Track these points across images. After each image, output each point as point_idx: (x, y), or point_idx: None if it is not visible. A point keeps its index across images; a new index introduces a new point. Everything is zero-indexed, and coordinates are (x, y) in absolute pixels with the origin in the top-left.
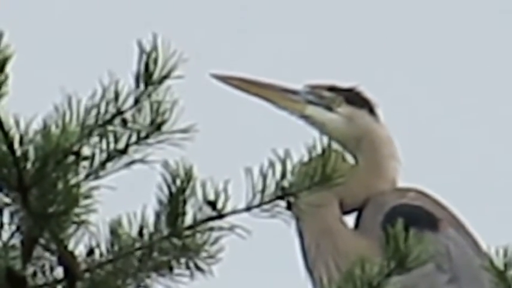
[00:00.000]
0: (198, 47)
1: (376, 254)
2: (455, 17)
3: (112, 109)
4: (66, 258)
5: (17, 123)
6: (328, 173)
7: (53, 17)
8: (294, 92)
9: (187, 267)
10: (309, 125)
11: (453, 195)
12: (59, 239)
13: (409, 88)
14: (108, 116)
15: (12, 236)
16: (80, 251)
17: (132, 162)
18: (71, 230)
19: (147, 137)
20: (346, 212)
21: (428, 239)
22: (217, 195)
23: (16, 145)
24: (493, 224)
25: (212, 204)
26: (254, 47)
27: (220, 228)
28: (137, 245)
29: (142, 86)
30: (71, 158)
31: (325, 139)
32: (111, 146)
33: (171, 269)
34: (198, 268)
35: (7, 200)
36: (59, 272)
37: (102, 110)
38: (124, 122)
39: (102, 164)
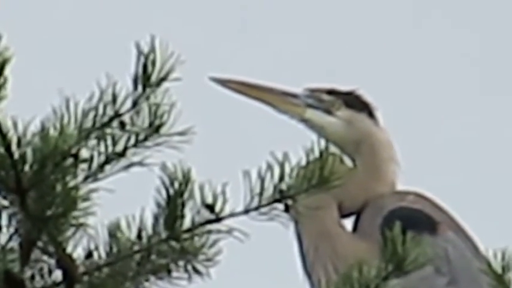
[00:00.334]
0: (197, 47)
1: (374, 257)
2: (454, 16)
3: (110, 112)
4: (64, 261)
5: (15, 125)
6: (325, 176)
7: (51, 20)
8: (294, 96)
9: (186, 270)
10: (308, 129)
11: (452, 198)
12: (57, 242)
13: (409, 89)
14: (106, 119)
15: (10, 238)
16: (79, 253)
17: (131, 165)
18: (69, 232)
19: (145, 139)
20: (345, 215)
21: (426, 242)
22: (215, 198)
23: (14, 147)
24: (492, 227)
25: (210, 207)
26: (254, 47)
27: (218, 231)
28: (136, 247)
29: (140, 88)
30: (69, 160)
31: (323, 142)
32: (110, 148)
33: (169, 271)
34: (196, 271)
35: (5, 202)
36: (58, 274)
37: (100, 112)
38: (122, 125)
39: (101, 167)
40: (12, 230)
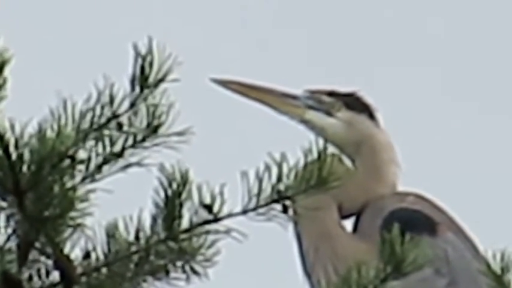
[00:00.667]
0: (196, 48)
1: (374, 258)
2: (457, 15)
3: (107, 112)
4: (62, 262)
5: (12, 126)
6: (324, 177)
7: (49, 20)
8: (294, 97)
9: (184, 271)
10: (308, 130)
11: (452, 199)
12: (55, 243)
13: (410, 91)
14: (103, 120)
15: (8, 239)
16: (76, 254)
17: (129, 165)
18: (67, 233)
19: (143, 140)
20: (345, 217)
21: (426, 243)
22: (213, 198)
23: (11, 149)
24: (491, 228)
25: (208, 208)
26: (253, 47)
27: (217, 232)
28: (133, 248)
29: (137, 89)
30: (67, 161)
31: (321, 142)
32: (107, 149)
33: (167, 272)
34: (194, 271)
35: (3, 203)
36: (55, 275)
37: (97, 113)
38: (119, 126)
39: (99, 168)
40: (10, 230)
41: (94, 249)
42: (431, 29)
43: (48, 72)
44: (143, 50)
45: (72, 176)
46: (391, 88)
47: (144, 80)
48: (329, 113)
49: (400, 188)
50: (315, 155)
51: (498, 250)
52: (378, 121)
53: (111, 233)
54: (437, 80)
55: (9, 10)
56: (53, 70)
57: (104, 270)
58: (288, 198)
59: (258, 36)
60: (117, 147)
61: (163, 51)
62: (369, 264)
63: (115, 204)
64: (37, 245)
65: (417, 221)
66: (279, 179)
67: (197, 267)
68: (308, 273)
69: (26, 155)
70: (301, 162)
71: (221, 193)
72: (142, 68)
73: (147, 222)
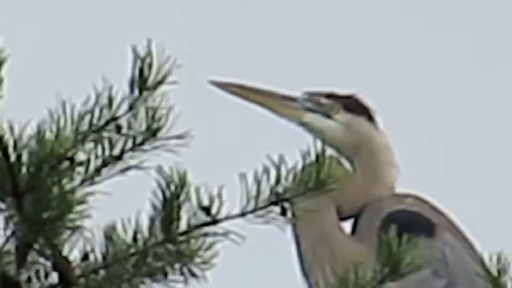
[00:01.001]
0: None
1: (373, 259)
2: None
3: (106, 115)
4: (60, 264)
5: (11, 128)
6: (322, 179)
7: (47, 22)
8: (293, 99)
9: (182, 273)
10: (307, 132)
11: (451, 201)
12: (53, 245)
13: (409, 92)
14: (102, 122)
15: (7, 241)
16: (75, 256)
17: (128, 168)
18: (65, 235)
19: (142, 143)
20: (344, 218)
21: (424, 244)
22: (211, 200)
23: (10, 150)
24: (490, 230)
25: (206, 210)
26: (253, 48)
27: (215, 234)
28: (131, 250)
29: (136, 91)
30: (66, 163)
31: (319, 145)
32: (107, 152)
33: (165, 274)
34: (192, 274)
35: (2, 205)
36: (54, 277)
37: (96, 115)
38: (118, 128)
39: (97, 170)
40: (8, 232)
41: (92, 251)
42: (431, 30)
43: (47, 74)
44: (142, 52)
45: (71, 178)
46: (390, 89)
47: (143, 82)
48: (328, 115)
49: (399, 189)
50: (313, 157)
51: (494, 252)
52: (376, 123)
53: (110, 235)
54: (438, 81)
55: (7, 10)
56: (52, 72)
57: (102, 272)
58: (286, 200)
59: (258, 38)
60: (117, 150)
61: (162, 53)
62: (367, 265)
63: (113, 206)
64: (36, 246)
65: (415, 222)
66: (278, 181)
67: (195, 270)
68: (306, 275)
69: (25, 157)
70: (300, 165)
71: (219, 195)
72: (141, 70)
73: (145, 224)
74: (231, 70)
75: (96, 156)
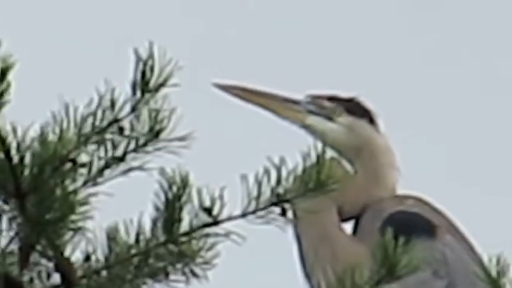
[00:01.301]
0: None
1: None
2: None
3: (109, 116)
4: (62, 265)
5: (14, 130)
6: (322, 180)
7: (48, 24)
8: (295, 102)
9: (183, 273)
10: (309, 134)
11: (452, 202)
12: (55, 246)
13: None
14: (104, 124)
15: (10, 242)
16: (77, 257)
17: (130, 169)
18: (67, 236)
19: (145, 144)
20: (345, 219)
21: (420, 246)
22: (213, 201)
23: (13, 152)
24: (490, 231)
25: (208, 211)
26: (254, 49)
27: (216, 235)
28: (134, 251)
29: (139, 93)
30: (68, 165)
31: (320, 146)
32: (109, 153)
33: (167, 274)
34: (193, 274)
35: (5, 206)
36: (56, 278)
37: (99, 117)
38: (121, 130)
39: (100, 171)
40: (11, 233)
41: (94, 252)
42: (432, 32)
43: (49, 76)
44: (144, 55)
45: (74, 180)
46: (393, 92)
47: (145, 85)
48: (330, 118)
49: (400, 191)
50: (314, 158)
51: (494, 254)
52: (378, 126)
53: (112, 236)
54: (439, 82)
55: (10, 12)
56: (55, 74)
57: (104, 272)
58: (287, 201)
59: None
60: (119, 152)
61: (164, 55)
62: (368, 266)
63: (116, 207)
64: (38, 247)
65: (416, 223)
66: (278, 182)
67: (197, 270)
68: (308, 276)
69: (28, 159)
70: (300, 166)
71: (221, 196)
72: (143, 73)
73: (147, 225)
74: (231, 70)
75: (99, 158)
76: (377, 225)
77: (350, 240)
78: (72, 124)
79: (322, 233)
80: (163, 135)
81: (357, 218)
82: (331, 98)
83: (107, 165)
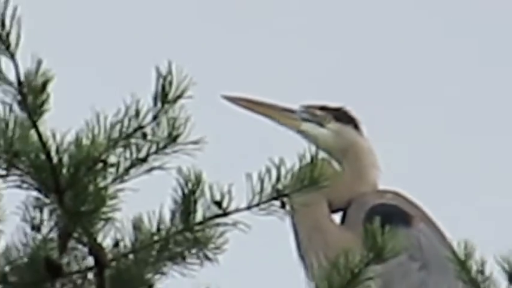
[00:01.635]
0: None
1: (359, 246)
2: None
3: (134, 124)
4: (95, 250)
5: (54, 135)
6: (315, 177)
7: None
8: (292, 111)
9: (198, 257)
10: (303, 138)
11: (425, 195)
12: (89, 233)
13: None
14: (130, 130)
15: (50, 230)
16: (107, 243)
17: (152, 168)
18: (99, 225)
19: (164, 147)
20: (334, 211)
21: (402, 233)
22: (222, 196)
23: (53, 154)
24: (457, 219)
25: (218, 204)
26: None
27: (225, 224)
28: (156, 238)
29: (159, 104)
30: (100, 165)
31: (314, 149)
32: (134, 155)
33: (184, 258)
34: (206, 257)
35: (46, 200)
36: (90, 261)
37: (125, 124)
38: (144, 135)
39: (126, 170)
40: (52, 223)
41: (122, 239)
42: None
43: (82, 89)
44: (164, 71)
45: (104, 177)
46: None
47: (164, 97)
48: (321, 125)
49: (381, 186)
50: (308, 159)
51: (462, 239)
52: (361, 131)
53: (137, 225)
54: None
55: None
56: (86, 87)
57: (131, 256)
58: (286, 195)
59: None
60: (142, 154)
61: (180, 72)
62: (355, 251)
63: (140, 200)
64: (75, 235)
65: (394, 214)
66: (278, 179)
67: (209, 254)
68: (302, 257)
69: (65, 160)
70: (297, 166)
71: (229, 191)
72: (163, 87)
73: (167, 216)
74: (230, 80)
75: (125, 159)
76: (361, 216)
77: (338, 229)
78: (102, 130)
79: (315, 223)
80: (180, 139)
81: (344, 210)
82: (322, 108)
83: (132, 165)
